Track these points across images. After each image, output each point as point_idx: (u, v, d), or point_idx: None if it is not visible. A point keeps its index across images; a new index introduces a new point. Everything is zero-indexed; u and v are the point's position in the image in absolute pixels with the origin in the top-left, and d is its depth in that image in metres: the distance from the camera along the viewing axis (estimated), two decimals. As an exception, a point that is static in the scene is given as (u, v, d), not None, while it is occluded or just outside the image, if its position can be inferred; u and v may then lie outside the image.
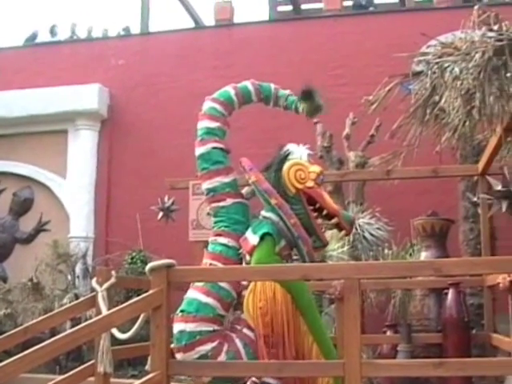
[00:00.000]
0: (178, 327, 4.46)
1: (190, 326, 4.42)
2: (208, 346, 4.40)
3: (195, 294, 4.52)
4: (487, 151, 6.58)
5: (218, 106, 5.02)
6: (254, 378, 4.57)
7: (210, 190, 4.82)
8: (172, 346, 4.44)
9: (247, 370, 4.46)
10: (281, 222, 4.59)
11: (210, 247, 4.75)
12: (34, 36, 14.55)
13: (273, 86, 5.29)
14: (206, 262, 4.71)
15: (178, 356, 4.43)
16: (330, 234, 8.32)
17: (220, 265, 4.60)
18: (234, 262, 4.64)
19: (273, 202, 4.58)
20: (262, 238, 4.51)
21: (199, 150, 4.89)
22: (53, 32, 14.56)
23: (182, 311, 4.50)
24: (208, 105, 5.06)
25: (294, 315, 4.42)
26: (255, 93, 5.21)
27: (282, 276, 4.34)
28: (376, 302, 8.12)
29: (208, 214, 6.90)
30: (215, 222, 4.81)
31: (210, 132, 4.92)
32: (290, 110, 5.28)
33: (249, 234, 4.61)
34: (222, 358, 4.40)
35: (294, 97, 5.25)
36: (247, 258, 4.58)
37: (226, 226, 4.73)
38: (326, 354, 4.44)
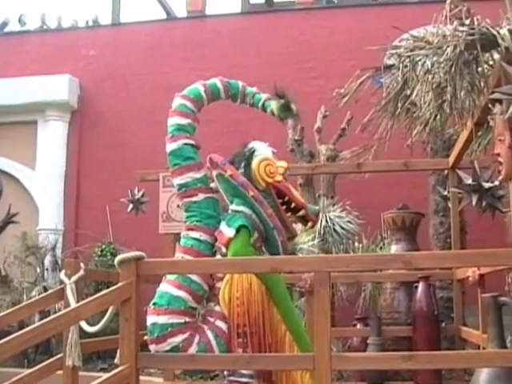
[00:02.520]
0: (150, 320, 4.51)
1: (161, 319, 4.48)
2: (179, 338, 4.46)
3: (167, 287, 4.58)
4: (458, 145, 6.61)
5: (187, 103, 5.08)
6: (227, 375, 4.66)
7: (181, 186, 4.88)
8: (145, 338, 4.51)
9: (216, 363, 4.47)
10: (254, 214, 4.73)
11: (182, 241, 4.81)
12: (4, 24, 14.35)
13: (240, 83, 5.37)
14: (178, 255, 4.77)
15: (151, 348, 4.50)
16: (300, 227, 8.34)
17: (192, 258, 4.65)
18: (206, 255, 4.71)
19: (250, 194, 4.70)
20: (237, 230, 4.62)
21: (170, 147, 4.95)
22: (21, 21, 14.36)
23: (154, 304, 4.55)
24: (178, 101, 5.11)
25: (269, 305, 4.52)
26: (224, 90, 5.26)
27: (251, 268, 4.34)
28: (346, 295, 8.13)
29: (178, 206, 6.90)
30: (187, 217, 4.86)
31: (180, 128, 4.98)
32: (257, 108, 5.40)
33: (223, 227, 4.71)
34: (193, 349, 4.46)
35: (261, 95, 5.38)
36: (223, 250, 4.64)
37: (197, 221, 4.80)
38: (300, 344, 4.51)
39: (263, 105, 5.33)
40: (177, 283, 4.56)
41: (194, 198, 4.83)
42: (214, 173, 4.91)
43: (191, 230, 4.79)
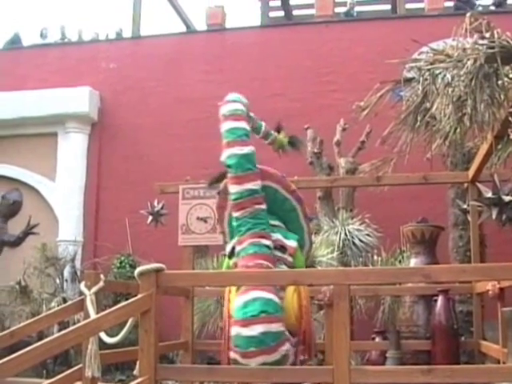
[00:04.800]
0: (259, 329, 4.25)
1: (274, 327, 4.29)
2: (286, 346, 4.35)
3: (265, 294, 4.35)
4: (477, 158, 6.58)
5: (245, 109, 5.12)
6: None
7: (252, 192, 4.76)
8: (249, 349, 4.27)
9: (233, 376, 4.45)
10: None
11: (253, 249, 4.59)
12: (15, 38, 14.49)
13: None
14: (249, 264, 4.53)
15: (260, 359, 4.26)
16: (319, 240, 8.34)
17: (271, 265, 4.53)
18: (275, 263, 4.61)
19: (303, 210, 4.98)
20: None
21: (243, 150, 4.85)
22: (43, 35, 14.51)
23: (263, 312, 4.29)
24: (238, 106, 5.08)
25: None
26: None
27: (273, 281, 4.34)
28: (365, 308, 8.11)
29: (198, 218, 6.91)
30: (254, 224, 4.69)
31: (248, 134, 4.97)
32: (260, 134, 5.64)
33: (281, 237, 4.77)
34: (291, 359, 4.44)
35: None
36: (289, 259, 4.69)
37: (265, 229, 4.70)
38: None
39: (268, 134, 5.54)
40: (273, 290, 4.39)
41: (262, 206, 4.74)
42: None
43: (263, 237, 4.63)
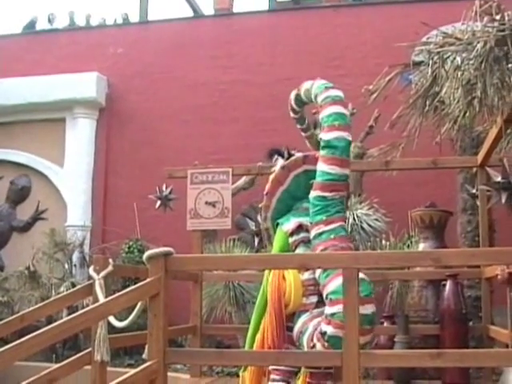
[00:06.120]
0: (371, 308, 4.46)
1: (373, 308, 4.50)
2: None
3: (363, 275, 4.46)
4: (487, 142, 6.56)
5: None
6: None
7: (347, 177, 4.94)
8: (365, 327, 4.36)
9: (243, 359, 4.47)
10: None
11: (343, 231, 4.80)
12: (32, 23, 14.46)
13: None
14: (342, 245, 4.70)
15: (368, 338, 4.43)
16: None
17: (352, 248, 4.81)
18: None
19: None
20: None
21: (349, 137, 4.99)
22: (50, 20, 14.47)
23: (372, 293, 4.53)
24: (340, 93, 5.14)
25: None
26: None
27: (281, 265, 4.35)
28: (373, 293, 8.10)
29: (207, 203, 6.92)
30: (342, 208, 4.87)
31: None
32: None
33: None
34: None
35: None
36: None
37: (344, 215, 4.91)
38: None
39: None
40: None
41: (342, 193, 4.85)
42: (304, 168, 5.06)
43: (344, 221, 4.86)
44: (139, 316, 4.69)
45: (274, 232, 5.13)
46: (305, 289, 4.73)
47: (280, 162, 5.27)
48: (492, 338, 6.72)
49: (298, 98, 5.61)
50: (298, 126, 5.96)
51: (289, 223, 4.98)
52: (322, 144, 4.90)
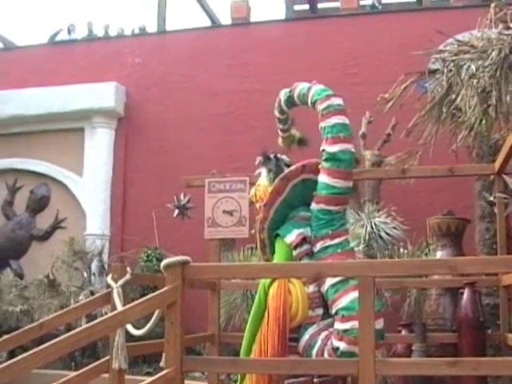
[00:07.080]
0: (381, 324, 4.53)
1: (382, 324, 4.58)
2: None
3: None
4: (504, 150, 6.54)
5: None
6: None
7: (351, 190, 5.02)
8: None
9: (259, 367, 4.47)
10: None
11: (349, 245, 4.86)
12: (57, 34, 14.60)
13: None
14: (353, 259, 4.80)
15: (378, 352, 4.45)
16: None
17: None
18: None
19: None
20: None
21: (353, 149, 4.96)
22: (70, 31, 14.61)
23: (381, 309, 4.60)
24: (342, 102, 5.07)
25: None
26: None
27: (295, 274, 4.36)
28: (391, 301, 8.09)
29: (224, 211, 6.94)
30: (346, 221, 4.94)
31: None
32: None
33: None
34: None
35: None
36: None
37: (347, 228, 4.99)
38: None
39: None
40: None
41: (345, 206, 4.91)
42: (302, 177, 4.98)
43: (347, 234, 4.90)
44: (157, 324, 4.71)
45: (271, 242, 5.06)
46: (311, 301, 4.70)
47: (263, 169, 5.30)
48: (510, 347, 6.68)
49: (289, 99, 5.54)
50: (280, 126, 5.88)
51: (291, 235, 4.90)
52: (325, 156, 4.85)
